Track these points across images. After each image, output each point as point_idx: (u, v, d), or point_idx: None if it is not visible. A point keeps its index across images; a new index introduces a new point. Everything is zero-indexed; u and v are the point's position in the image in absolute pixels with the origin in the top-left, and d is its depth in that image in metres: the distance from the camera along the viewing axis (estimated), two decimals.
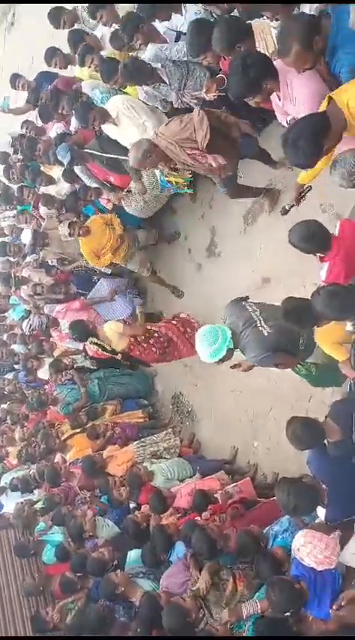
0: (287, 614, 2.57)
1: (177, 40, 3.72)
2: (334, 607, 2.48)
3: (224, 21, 3.00)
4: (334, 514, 2.70)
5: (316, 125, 2.38)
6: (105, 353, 5.05)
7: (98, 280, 6.09)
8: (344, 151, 2.54)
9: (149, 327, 4.96)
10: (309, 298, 2.84)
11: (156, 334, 4.88)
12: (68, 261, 6.11)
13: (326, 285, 2.71)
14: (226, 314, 3.30)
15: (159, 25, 3.85)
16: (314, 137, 2.35)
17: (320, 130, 2.36)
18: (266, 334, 3.07)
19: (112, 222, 5.34)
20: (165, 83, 3.90)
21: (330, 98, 2.39)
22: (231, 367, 3.38)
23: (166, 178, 4.21)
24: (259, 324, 3.10)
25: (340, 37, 2.48)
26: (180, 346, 4.93)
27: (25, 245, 6.38)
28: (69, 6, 5.07)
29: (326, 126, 2.37)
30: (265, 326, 3.09)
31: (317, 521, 2.84)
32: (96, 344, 4.99)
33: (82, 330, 5.04)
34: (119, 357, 5.16)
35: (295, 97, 2.81)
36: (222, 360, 3.16)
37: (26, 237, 6.29)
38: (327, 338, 2.97)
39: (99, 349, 5.01)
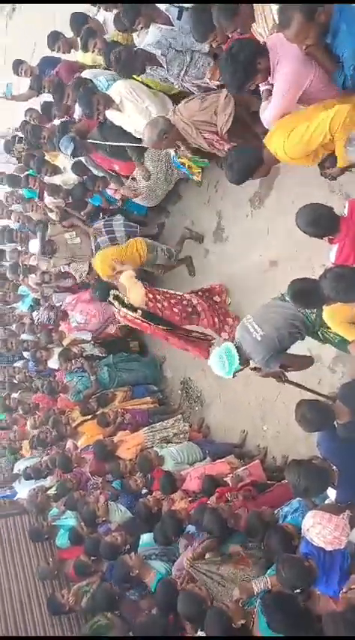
0: (297, 591, 2.59)
1: (179, 16, 3.65)
2: (343, 589, 2.50)
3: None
4: (345, 495, 2.71)
5: (250, 159, 3.02)
6: (128, 314, 4.69)
7: None
8: None
9: (170, 292, 4.73)
10: (316, 279, 2.83)
11: (178, 297, 4.68)
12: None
13: (333, 267, 2.68)
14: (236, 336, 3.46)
15: (161, 4, 3.77)
16: (246, 167, 3.03)
17: (252, 164, 3.02)
18: (259, 338, 3.19)
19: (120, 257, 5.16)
20: (163, 67, 3.86)
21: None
22: (251, 369, 3.50)
23: (179, 160, 4.13)
24: (253, 331, 3.23)
25: (343, 17, 2.42)
26: (206, 319, 4.68)
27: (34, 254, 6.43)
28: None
29: (258, 162, 3.00)
30: (258, 330, 3.22)
31: (327, 501, 2.85)
32: (116, 297, 4.78)
33: (102, 287, 4.96)
34: (139, 313, 4.65)
35: (275, 72, 2.79)
36: (239, 371, 3.35)
37: (34, 246, 6.32)
38: (336, 317, 2.96)
39: (122, 306, 4.72)
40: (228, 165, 3.06)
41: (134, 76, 4.27)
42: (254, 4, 2.95)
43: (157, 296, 4.58)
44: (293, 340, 3.27)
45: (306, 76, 2.74)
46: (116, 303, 4.77)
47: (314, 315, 3.16)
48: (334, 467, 2.65)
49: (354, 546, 2.66)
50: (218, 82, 3.63)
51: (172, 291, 4.74)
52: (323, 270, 3.05)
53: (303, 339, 3.33)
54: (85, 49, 4.56)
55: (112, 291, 4.79)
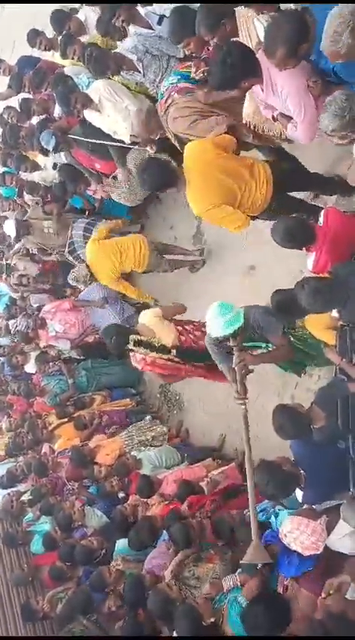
0: (259, 567, 2.64)
1: (159, 22, 3.65)
2: (322, 594, 2.51)
3: (206, 2, 2.96)
4: (310, 497, 2.80)
5: (165, 177, 3.28)
6: (157, 357, 3.89)
7: None
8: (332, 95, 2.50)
9: (196, 321, 4.07)
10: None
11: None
12: (49, 252, 6.05)
13: (310, 278, 2.70)
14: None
15: (141, 10, 3.77)
16: (159, 183, 3.34)
17: (165, 181, 3.30)
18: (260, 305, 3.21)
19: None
20: (139, 72, 3.86)
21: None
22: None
23: None
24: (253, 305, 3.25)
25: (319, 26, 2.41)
26: None
27: (8, 235, 6.29)
28: None
29: (172, 182, 3.29)
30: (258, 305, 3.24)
31: (304, 507, 2.87)
32: (139, 343, 3.90)
33: (119, 332, 4.00)
34: (173, 354, 3.91)
35: (280, 91, 2.78)
36: (234, 336, 3.07)
37: (9, 227, 6.22)
38: (317, 324, 2.99)
39: (148, 351, 3.89)
40: (141, 173, 3.38)
41: (113, 77, 4.25)
42: (239, 22, 2.95)
43: (186, 327, 4.00)
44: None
45: (304, 84, 2.70)
46: (141, 349, 3.90)
47: None
48: (302, 471, 2.68)
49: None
50: (201, 76, 3.61)
51: (197, 320, 4.07)
52: (300, 274, 3.09)
53: None
54: (64, 55, 4.51)
55: (132, 337, 3.90)
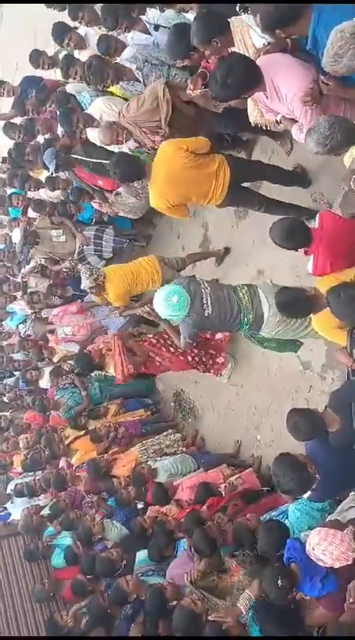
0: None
1: (156, 28, 3.75)
2: (350, 599, 2.46)
3: (201, 15, 2.99)
4: (317, 497, 2.85)
5: (133, 171, 3.70)
6: None
7: None
8: (317, 118, 2.55)
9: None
10: (301, 288, 2.88)
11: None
12: (58, 261, 6.11)
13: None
14: (181, 281, 3.58)
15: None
16: (128, 175, 3.83)
17: (134, 174, 3.77)
18: (206, 315, 3.39)
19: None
20: (140, 82, 3.92)
21: None
22: None
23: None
24: (205, 301, 3.40)
25: (321, 27, 2.42)
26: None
27: (16, 244, 6.39)
28: None
29: (140, 175, 3.73)
30: (209, 305, 3.40)
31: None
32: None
33: (87, 363, 5.57)
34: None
35: (284, 94, 2.78)
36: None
37: (16, 236, 6.31)
38: (327, 324, 2.97)
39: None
40: (113, 165, 3.77)
41: (113, 91, 4.32)
42: (233, 31, 2.97)
43: (157, 357, 4.81)
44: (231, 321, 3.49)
45: (308, 80, 2.70)
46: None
47: (251, 315, 3.38)
48: (317, 474, 2.68)
49: None
50: (199, 92, 3.67)
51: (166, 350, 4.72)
52: (307, 277, 3.09)
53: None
54: (66, 76, 4.60)
55: (95, 373, 5.72)
